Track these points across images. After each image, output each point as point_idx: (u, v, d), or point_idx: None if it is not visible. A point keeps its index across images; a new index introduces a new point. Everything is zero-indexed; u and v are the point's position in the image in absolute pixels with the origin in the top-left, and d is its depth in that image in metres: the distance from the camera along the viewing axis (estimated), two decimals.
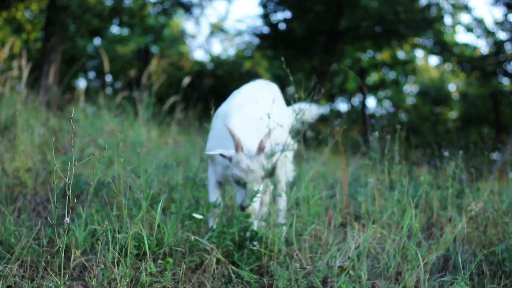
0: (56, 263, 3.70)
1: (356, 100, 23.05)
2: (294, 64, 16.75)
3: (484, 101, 21.05)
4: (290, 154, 4.60)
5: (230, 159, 3.89)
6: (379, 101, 23.66)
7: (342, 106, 23.60)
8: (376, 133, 4.48)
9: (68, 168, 2.89)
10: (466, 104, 22.05)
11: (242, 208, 3.87)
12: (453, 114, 23.71)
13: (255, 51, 18.99)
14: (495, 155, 9.67)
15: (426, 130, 20.78)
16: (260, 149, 3.85)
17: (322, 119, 15.72)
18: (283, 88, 20.41)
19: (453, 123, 22.65)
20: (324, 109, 5.40)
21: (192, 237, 3.77)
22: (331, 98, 21.65)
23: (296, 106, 4.82)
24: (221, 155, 3.90)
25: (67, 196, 2.97)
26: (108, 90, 15.72)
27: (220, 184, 4.35)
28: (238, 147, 3.84)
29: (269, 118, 4.07)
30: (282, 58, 4.85)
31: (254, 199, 4.02)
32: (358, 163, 6.63)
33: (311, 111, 4.51)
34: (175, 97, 9.56)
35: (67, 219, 2.94)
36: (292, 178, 4.89)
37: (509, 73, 16.30)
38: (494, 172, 6.78)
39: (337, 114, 19.50)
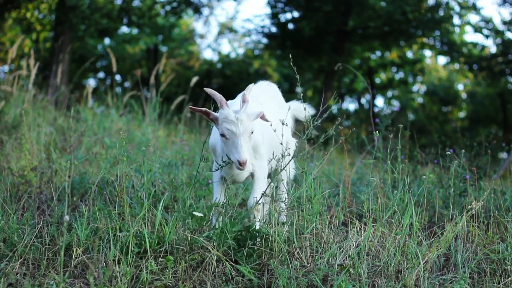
0: (58, 261, 3.73)
1: (365, 99, 23.07)
2: (302, 63, 16.79)
3: (492, 101, 21.01)
4: (291, 152, 4.61)
5: (216, 120, 3.89)
6: (388, 100, 23.66)
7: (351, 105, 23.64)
8: (377, 132, 4.49)
9: (72, 167, 2.92)
10: (474, 104, 22.00)
11: (240, 163, 3.83)
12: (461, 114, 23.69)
13: (264, 50, 19.02)
14: (502, 155, 9.64)
15: (434, 129, 20.74)
16: (244, 101, 3.88)
17: (330, 118, 15.72)
18: (292, 88, 20.47)
19: (461, 122, 22.61)
20: (314, 110, 5.37)
21: (190, 236, 3.78)
22: (340, 98, 21.65)
23: (292, 103, 4.85)
24: (206, 111, 3.91)
25: (67, 194, 3.00)
26: (118, 90, 15.76)
27: (225, 181, 4.36)
28: (222, 103, 3.86)
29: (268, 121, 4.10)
30: (290, 55, 4.89)
31: (261, 200, 4.05)
32: (362, 162, 6.64)
33: (304, 110, 4.51)
34: (183, 96, 9.61)
35: (66, 217, 2.97)
36: (294, 177, 4.89)
37: None
38: (499, 172, 6.76)
39: (345, 113, 19.50)
